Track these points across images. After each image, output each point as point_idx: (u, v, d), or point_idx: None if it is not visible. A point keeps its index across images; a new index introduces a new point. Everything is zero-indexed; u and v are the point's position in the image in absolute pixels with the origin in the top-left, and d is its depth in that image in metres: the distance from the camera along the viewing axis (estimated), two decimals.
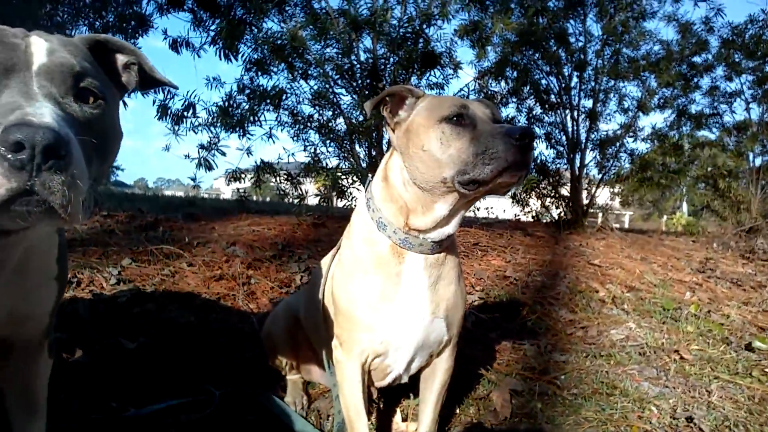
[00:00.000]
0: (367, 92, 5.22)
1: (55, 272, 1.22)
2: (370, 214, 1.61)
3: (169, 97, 5.02)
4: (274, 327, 2.19)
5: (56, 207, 0.78)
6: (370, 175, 1.75)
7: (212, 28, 5.34)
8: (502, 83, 6.03)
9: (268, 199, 9.65)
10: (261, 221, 4.78)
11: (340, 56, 5.11)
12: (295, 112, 5.39)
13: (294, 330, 2.09)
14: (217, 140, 5.01)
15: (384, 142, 5.26)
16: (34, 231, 1.05)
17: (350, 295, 1.60)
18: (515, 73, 6.01)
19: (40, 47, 0.91)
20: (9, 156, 0.73)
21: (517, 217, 7.28)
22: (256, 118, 5.04)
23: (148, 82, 1.18)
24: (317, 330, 1.85)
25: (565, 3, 6.47)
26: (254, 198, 7.87)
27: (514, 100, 6.74)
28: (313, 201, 5.55)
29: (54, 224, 0.94)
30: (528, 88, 6.28)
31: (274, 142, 5.22)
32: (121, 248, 3.50)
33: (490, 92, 5.82)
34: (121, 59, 1.14)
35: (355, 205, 5.21)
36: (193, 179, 5.11)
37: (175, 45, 5.34)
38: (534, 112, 7.03)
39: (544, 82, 6.75)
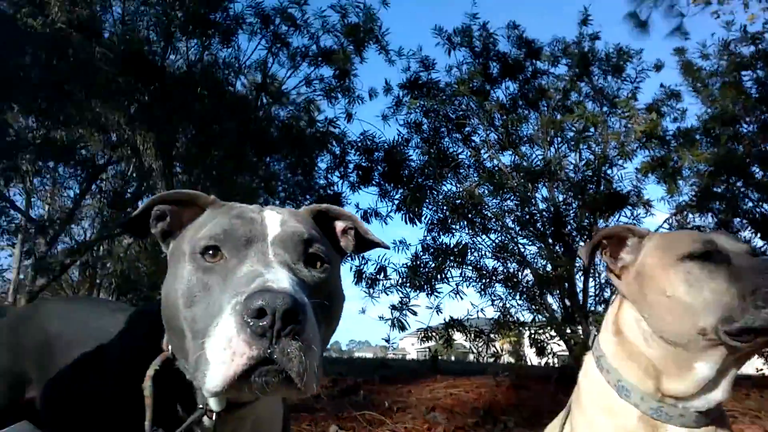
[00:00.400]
0: (551, 240, 5.11)
1: None
2: (605, 376, 1.40)
3: (363, 262, 5.40)
4: None
5: (293, 376, 0.76)
6: (593, 329, 1.57)
7: (396, 197, 5.83)
8: (708, 216, 5.48)
9: (452, 357, 9.45)
10: (456, 383, 4.61)
11: (518, 207, 5.16)
12: (479, 266, 5.41)
13: None
14: (407, 300, 5.15)
15: (578, 291, 4.96)
16: (264, 402, 1.05)
17: None
18: (721, 204, 5.45)
19: (273, 219, 0.98)
20: (251, 322, 0.73)
21: (761, 371, 6.12)
22: (443, 275, 5.14)
23: (363, 244, 1.20)
24: None
25: (759, 125, 5.95)
26: (443, 357, 7.75)
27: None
28: (506, 358, 5.29)
29: (290, 394, 0.90)
30: (740, 219, 5.61)
31: (461, 298, 5.23)
32: (327, 414, 3.56)
33: (693, 227, 5.32)
34: (339, 225, 1.18)
35: (554, 362, 4.88)
36: (387, 340, 5.22)
37: (366, 216, 5.87)
38: (755, 244, 6.18)
39: (758, 210, 6.02)
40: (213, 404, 0.93)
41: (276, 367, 0.75)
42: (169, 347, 0.98)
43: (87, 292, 10.43)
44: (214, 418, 0.95)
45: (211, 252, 0.90)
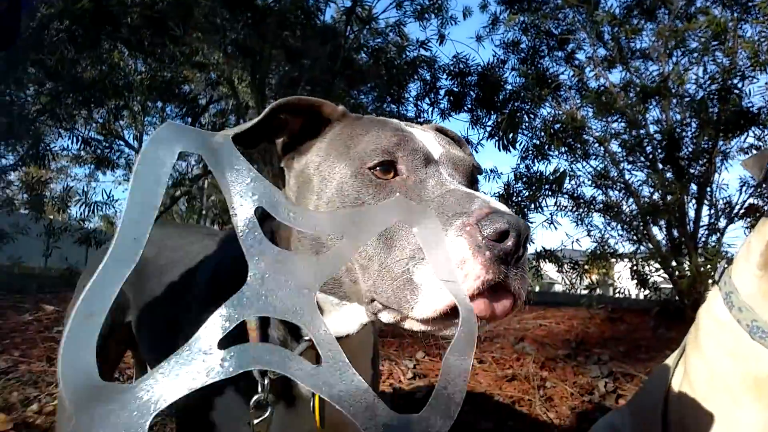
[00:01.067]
0: (661, 165, 4.60)
1: (369, 377, 1.16)
2: (735, 315, 1.18)
3: None
4: None
5: (518, 303, 0.71)
6: (723, 262, 1.33)
7: (489, 124, 5.52)
8: None
9: (536, 288, 9.20)
10: (546, 314, 4.43)
11: (626, 130, 4.67)
12: (576, 195, 5.05)
13: None
14: None
15: (690, 221, 4.47)
16: (364, 329, 0.97)
17: (708, 429, 1.16)
18: None
19: (430, 138, 0.88)
20: (491, 246, 0.66)
21: None
22: (536, 205, 4.85)
23: None
24: None
25: None
26: (531, 289, 7.55)
27: None
28: (600, 291, 4.97)
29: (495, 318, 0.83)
30: None
31: (555, 228, 4.93)
32: (414, 341, 3.56)
33: None
34: None
35: (656, 296, 4.50)
36: None
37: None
38: None
39: None
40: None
41: (505, 292, 0.70)
42: None
43: (194, 222, 11.25)
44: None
45: (381, 168, 0.81)
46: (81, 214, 4.97)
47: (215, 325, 0.61)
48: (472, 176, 0.88)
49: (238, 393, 0.93)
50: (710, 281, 3.68)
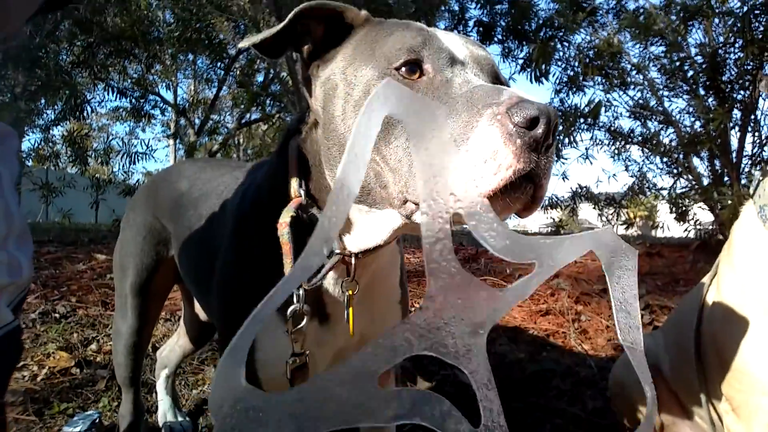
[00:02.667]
0: (702, 92, 4.39)
1: (398, 296, 1.18)
2: None
3: None
4: (626, 377, 1.82)
5: (540, 194, 0.70)
6: (758, 173, 1.28)
7: (521, 56, 5.33)
8: None
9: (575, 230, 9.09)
10: None
11: (665, 55, 4.43)
12: (612, 128, 4.89)
13: (655, 382, 1.69)
14: None
15: (733, 151, 4.29)
16: (388, 247, 0.98)
17: (743, 345, 1.17)
18: None
19: (454, 39, 0.86)
20: (522, 133, 0.64)
21: None
22: (571, 140, 4.73)
23: None
24: (689, 385, 1.44)
25: None
26: (567, 230, 7.48)
27: None
28: (638, 229, 4.89)
29: (522, 214, 0.80)
30: None
31: (591, 163, 4.81)
32: None
33: None
34: None
35: (697, 233, 4.40)
36: None
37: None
38: None
39: None
40: (352, 247, 0.89)
41: (531, 184, 0.68)
42: (302, 191, 0.92)
43: None
44: (354, 261, 0.91)
45: (407, 67, 0.80)
46: (123, 166, 5.15)
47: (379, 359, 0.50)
48: (496, 76, 0.86)
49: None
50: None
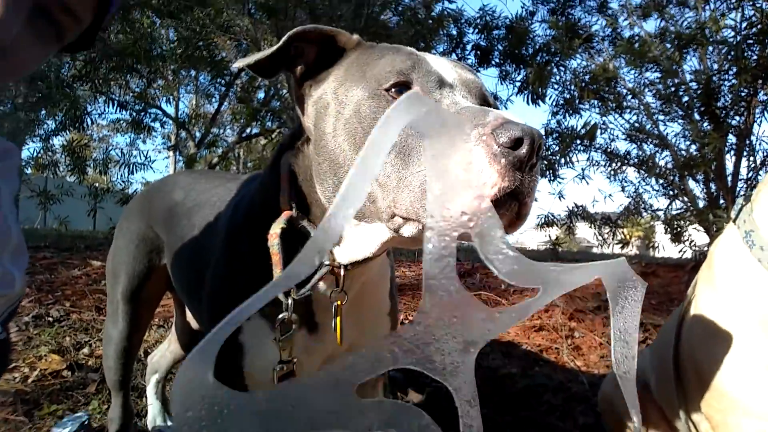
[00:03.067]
0: (697, 116, 4.46)
1: (388, 308, 1.19)
2: (755, 254, 1.17)
3: None
4: (614, 394, 1.82)
5: (524, 213, 0.72)
6: (740, 200, 1.30)
7: (518, 79, 5.41)
8: None
9: (574, 250, 9.11)
10: None
11: (660, 81, 4.51)
12: (609, 149, 4.95)
13: (642, 399, 1.70)
14: None
15: (728, 174, 4.34)
16: (378, 260, 1.01)
17: (723, 365, 1.17)
18: None
19: (441, 62, 0.90)
20: (507, 153, 0.67)
21: None
22: (567, 160, 4.79)
23: None
24: (671, 402, 1.45)
25: None
26: (563, 248, 7.50)
27: None
28: (634, 249, 4.91)
29: (506, 231, 0.79)
30: None
31: (587, 183, 4.86)
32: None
33: None
34: None
35: (692, 253, 4.42)
36: None
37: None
38: None
39: None
40: (342, 259, 0.92)
41: (515, 201, 0.70)
42: (292, 204, 0.96)
43: None
44: (343, 272, 0.93)
45: (396, 89, 0.83)
46: (121, 176, 5.19)
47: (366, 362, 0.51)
48: (485, 98, 0.89)
49: (263, 314, 1.00)
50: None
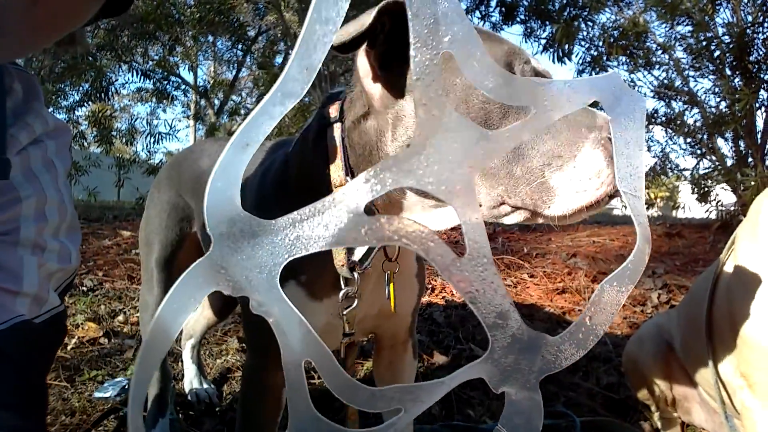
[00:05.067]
0: (729, 72, 4.29)
1: (416, 269, 1.23)
2: None
3: None
4: (639, 353, 1.84)
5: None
6: None
7: (543, 36, 5.26)
8: None
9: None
10: (601, 231, 4.38)
11: (692, 34, 4.34)
12: None
13: (667, 359, 1.71)
14: None
15: (758, 132, 4.20)
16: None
17: (761, 317, 1.17)
18: None
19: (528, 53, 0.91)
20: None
21: None
22: None
23: None
24: (700, 362, 1.46)
25: None
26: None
27: None
28: (658, 210, 4.83)
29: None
30: None
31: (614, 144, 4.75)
32: None
33: None
34: None
35: (719, 211, 4.33)
36: None
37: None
38: None
39: None
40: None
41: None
42: (348, 179, 0.95)
43: None
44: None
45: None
46: (147, 146, 5.26)
47: (365, 185, 0.54)
48: None
49: (299, 283, 1.03)
50: None
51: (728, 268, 1.32)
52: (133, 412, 0.53)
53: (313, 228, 0.53)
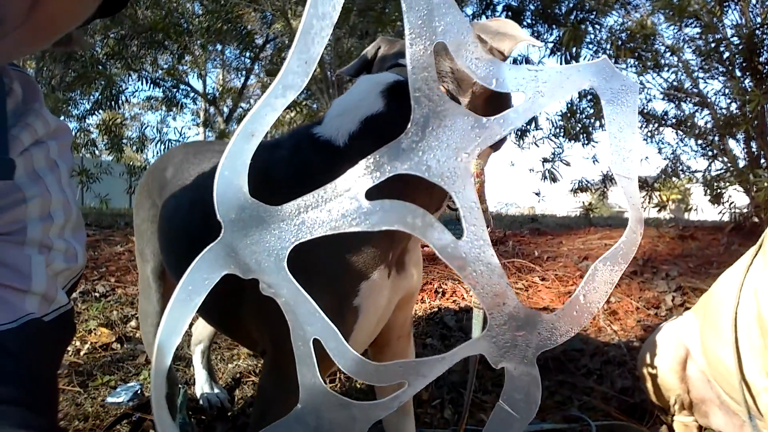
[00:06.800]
0: (738, 73, 4.26)
1: (420, 258, 1.24)
2: None
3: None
4: (655, 356, 1.82)
5: None
6: None
7: (550, 40, 5.26)
8: None
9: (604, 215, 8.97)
10: (612, 234, 4.35)
11: (700, 36, 4.31)
12: (645, 110, 4.79)
13: (684, 362, 1.69)
14: (560, 151, 4.82)
15: None
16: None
17: None
18: None
19: None
20: None
21: None
22: (602, 122, 4.66)
23: None
24: (721, 365, 1.44)
25: None
26: (596, 213, 7.37)
27: None
28: (669, 213, 4.79)
29: None
30: None
31: None
32: None
33: None
34: None
35: (731, 215, 4.30)
36: (537, 194, 5.04)
37: (515, 63, 5.44)
38: None
39: None
40: None
41: None
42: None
43: None
44: None
45: None
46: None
47: (365, 171, 0.57)
48: None
49: (381, 270, 1.02)
50: None
51: (756, 269, 1.30)
52: (157, 406, 0.56)
53: (318, 213, 0.55)
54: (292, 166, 1.03)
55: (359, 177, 0.57)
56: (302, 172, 1.01)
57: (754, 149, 4.28)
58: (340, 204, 0.56)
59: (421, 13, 0.55)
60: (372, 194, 0.58)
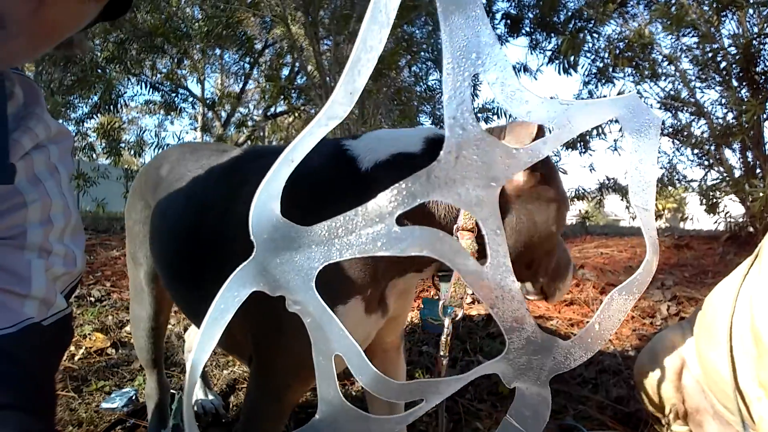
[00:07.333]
0: (735, 83, 4.29)
1: (412, 285, 1.23)
2: None
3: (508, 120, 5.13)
4: (650, 366, 1.82)
5: None
6: None
7: (548, 48, 5.28)
8: None
9: (600, 224, 8.99)
10: (609, 243, 4.36)
11: (698, 46, 4.34)
12: None
13: (679, 371, 1.70)
14: (557, 159, 4.84)
15: (766, 143, 4.19)
16: None
17: None
18: None
19: None
20: None
21: None
22: (599, 131, 4.69)
23: None
24: (716, 374, 1.44)
25: None
26: (593, 222, 7.38)
27: None
28: (666, 222, 4.80)
29: None
30: None
31: (620, 154, 4.76)
32: None
33: None
34: None
35: (727, 225, 4.31)
36: None
37: (514, 71, 5.45)
38: None
39: None
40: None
41: None
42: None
43: None
44: None
45: None
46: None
47: (397, 197, 0.58)
48: None
49: (363, 298, 1.03)
50: None
51: (752, 278, 1.31)
52: (189, 427, 0.60)
53: (348, 237, 0.57)
54: (314, 178, 1.03)
55: (390, 202, 0.58)
56: (325, 189, 1.00)
57: (750, 159, 4.30)
58: (372, 228, 0.58)
59: (461, 44, 0.57)
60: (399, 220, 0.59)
